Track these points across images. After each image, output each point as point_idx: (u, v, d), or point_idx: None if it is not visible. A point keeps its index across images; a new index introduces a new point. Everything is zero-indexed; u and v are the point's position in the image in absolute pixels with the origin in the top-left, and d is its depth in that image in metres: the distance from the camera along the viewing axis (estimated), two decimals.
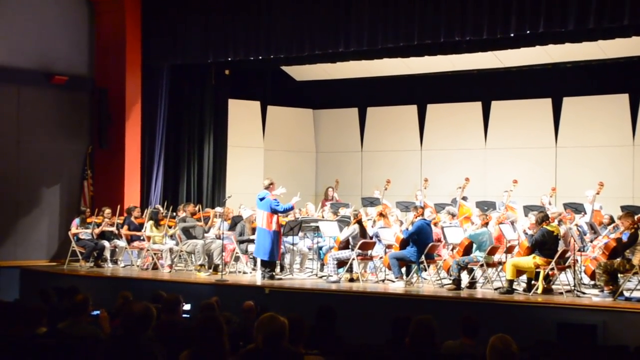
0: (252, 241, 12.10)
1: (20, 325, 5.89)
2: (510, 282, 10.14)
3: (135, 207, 13.70)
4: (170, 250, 12.81)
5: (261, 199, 11.41)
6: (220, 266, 12.05)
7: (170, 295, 6.56)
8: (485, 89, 16.05)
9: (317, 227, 12.23)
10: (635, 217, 10.12)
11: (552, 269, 10.07)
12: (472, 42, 12.60)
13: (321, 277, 11.93)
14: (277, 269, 11.76)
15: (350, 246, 11.32)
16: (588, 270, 10.59)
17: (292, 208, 11.76)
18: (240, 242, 12.24)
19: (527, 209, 12.53)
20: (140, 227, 13.26)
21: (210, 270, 12.35)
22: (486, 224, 10.96)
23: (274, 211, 11.29)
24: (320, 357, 4.82)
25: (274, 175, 12.97)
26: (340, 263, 11.42)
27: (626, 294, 9.58)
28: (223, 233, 12.19)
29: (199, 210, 13.50)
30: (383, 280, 11.51)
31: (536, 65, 14.97)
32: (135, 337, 4.74)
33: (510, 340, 4.52)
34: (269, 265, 11.49)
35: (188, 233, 12.78)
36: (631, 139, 14.69)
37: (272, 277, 11.44)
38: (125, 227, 13.31)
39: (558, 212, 11.91)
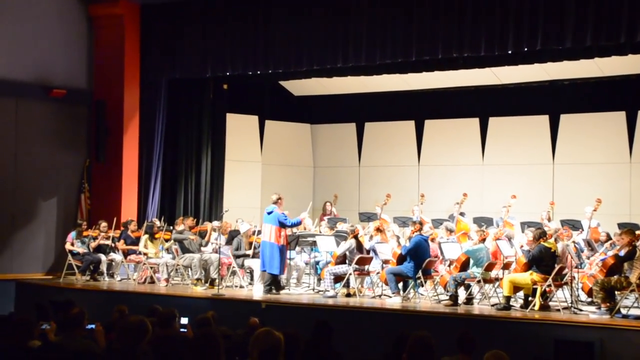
0: (248, 256, 12.13)
1: (13, 337, 5.85)
2: (508, 298, 10.12)
3: (131, 220, 13.67)
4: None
5: (269, 213, 11.47)
6: (217, 280, 12.02)
7: (165, 309, 6.53)
8: (482, 105, 16.09)
9: (314, 241, 12.21)
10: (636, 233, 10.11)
11: (549, 285, 10.06)
12: (469, 59, 12.67)
13: (318, 292, 11.91)
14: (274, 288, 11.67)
15: (347, 261, 11.30)
16: (585, 287, 10.58)
17: (299, 223, 11.82)
18: (237, 256, 12.23)
19: (524, 225, 12.53)
20: (136, 240, 13.22)
21: (207, 285, 12.31)
22: (483, 240, 10.95)
23: (282, 225, 11.34)
24: None
25: (271, 190, 12.98)
26: (337, 278, 11.40)
27: (623, 311, 9.55)
28: (220, 247, 12.17)
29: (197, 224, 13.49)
30: (380, 296, 11.47)
31: (533, 83, 15.03)
32: (130, 351, 4.72)
33: (504, 357, 4.50)
34: (272, 278, 11.47)
35: (183, 246, 12.74)
36: (628, 156, 14.72)
37: (269, 291, 11.43)
38: (122, 241, 13.28)
39: (555, 228, 11.90)
